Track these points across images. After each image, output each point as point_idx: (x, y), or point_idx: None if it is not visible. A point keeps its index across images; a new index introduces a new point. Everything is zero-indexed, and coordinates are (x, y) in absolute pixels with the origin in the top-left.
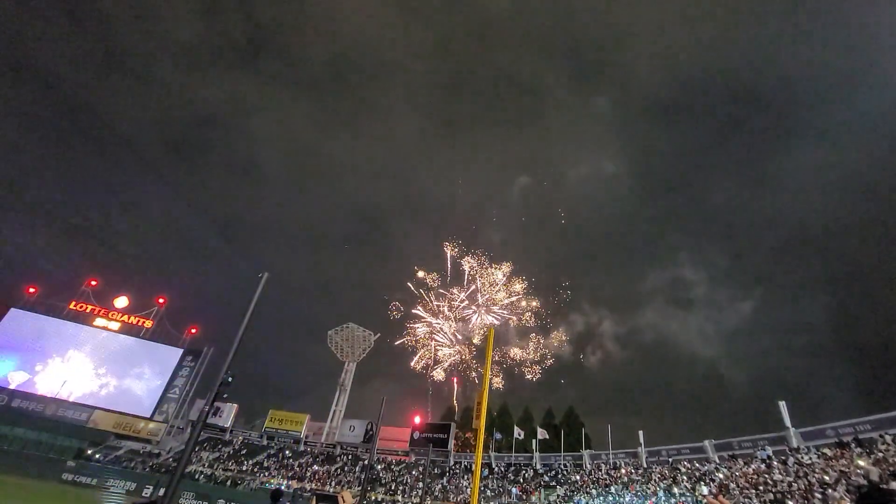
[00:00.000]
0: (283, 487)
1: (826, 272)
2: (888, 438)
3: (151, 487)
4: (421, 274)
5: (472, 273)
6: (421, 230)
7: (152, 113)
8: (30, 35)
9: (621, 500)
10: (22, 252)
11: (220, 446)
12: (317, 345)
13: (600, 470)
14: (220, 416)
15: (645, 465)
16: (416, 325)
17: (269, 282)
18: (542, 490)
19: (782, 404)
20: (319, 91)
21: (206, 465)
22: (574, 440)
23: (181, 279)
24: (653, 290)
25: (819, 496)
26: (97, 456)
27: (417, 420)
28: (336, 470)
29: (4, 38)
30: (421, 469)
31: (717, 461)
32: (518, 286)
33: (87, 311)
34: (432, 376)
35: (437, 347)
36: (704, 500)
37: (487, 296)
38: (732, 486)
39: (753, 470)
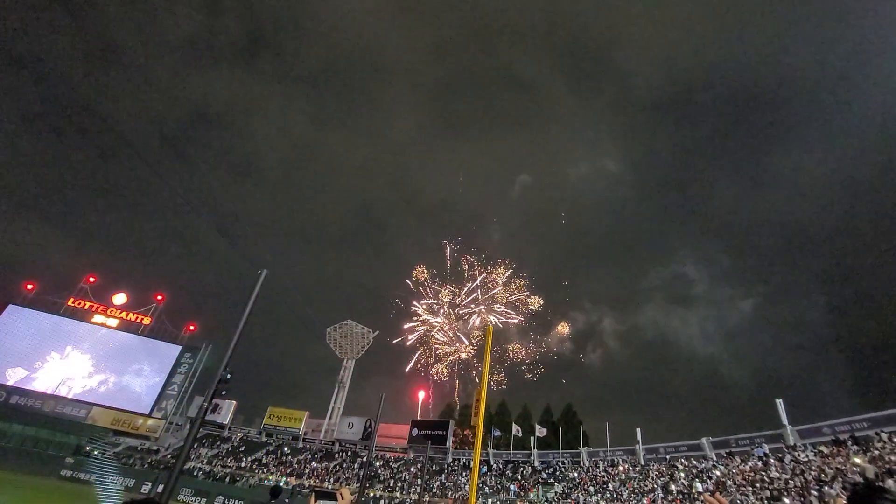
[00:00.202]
0: (281, 484)
1: (824, 271)
2: (884, 436)
3: (150, 484)
4: (420, 272)
5: (471, 272)
6: (420, 228)
7: (150, 109)
8: (27, 30)
9: (619, 497)
10: (19, 248)
11: (218, 443)
12: (315, 342)
13: (598, 467)
14: (218, 413)
15: (643, 463)
16: (416, 324)
17: (267, 279)
18: (540, 487)
19: (779, 402)
20: (318, 88)
21: (205, 461)
22: (572, 437)
23: (179, 276)
24: (652, 288)
25: (815, 493)
26: (96, 452)
27: (422, 395)
28: (335, 467)
29: (1, 33)
30: (419, 466)
31: (715, 459)
32: (518, 284)
33: (86, 307)
34: (432, 374)
35: (436, 345)
36: (701, 498)
37: (487, 294)
38: (729, 483)
39: (750, 467)
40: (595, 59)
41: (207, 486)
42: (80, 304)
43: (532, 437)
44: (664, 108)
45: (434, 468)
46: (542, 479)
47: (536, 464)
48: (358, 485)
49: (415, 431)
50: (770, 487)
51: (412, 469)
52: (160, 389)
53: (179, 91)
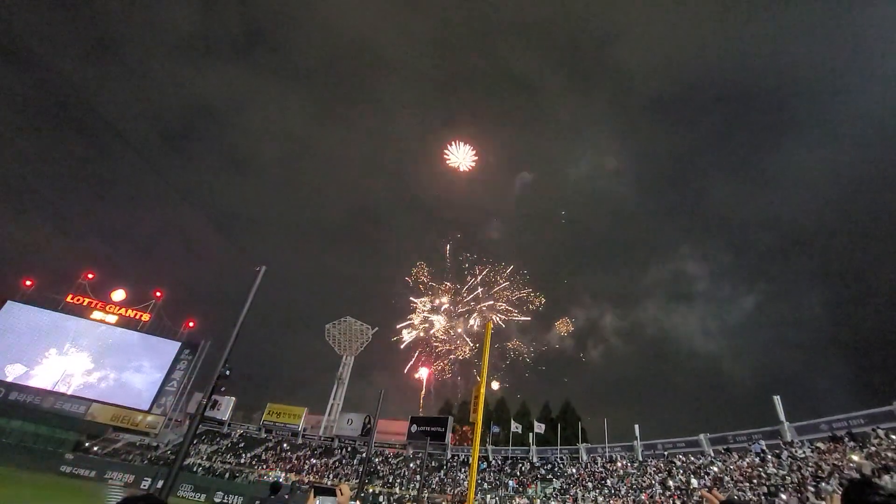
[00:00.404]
0: (281, 480)
1: (823, 268)
2: (881, 433)
3: (150, 480)
4: (420, 270)
5: (471, 270)
6: (420, 225)
7: (147, 104)
8: (22, 24)
9: (617, 493)
10: (18, 245)
11: (218, 439)
12: (314, 338)
13: (596, 463)
14: (217, 410)
15: (641, 459)
16: (414, 321)
17: (266, 275)
18: (539, 483)
19: (777, 399)
20: (316, 84)
21: (205, 457)
22: (570, 434)
23: (178, 273)
24: (653, 285)
25: (812, 489)
26: (95, 448)
27: (425, 373)
28: (334, 463)
29: None
30: (418, 462)
31: (712, 455)
32: (518, 281)
33: (84, 304)
34: (431, 368)
35: (436, 343)
36: (699, 494)
37: (487, 292)
38: (727, 479)
39: (748, 463)
40: (595, 58)
41: (207, 482)
42: (78, 300)
43: (531, 434)
44: (663, 106)
45: (433, 464)
46: (541, 475)
47: (535, 460)
48: (357, 481)
49: (414, 428)
50: (767, 483)
51: (411, 465)
52: (160, 386)
53: (177, 86)
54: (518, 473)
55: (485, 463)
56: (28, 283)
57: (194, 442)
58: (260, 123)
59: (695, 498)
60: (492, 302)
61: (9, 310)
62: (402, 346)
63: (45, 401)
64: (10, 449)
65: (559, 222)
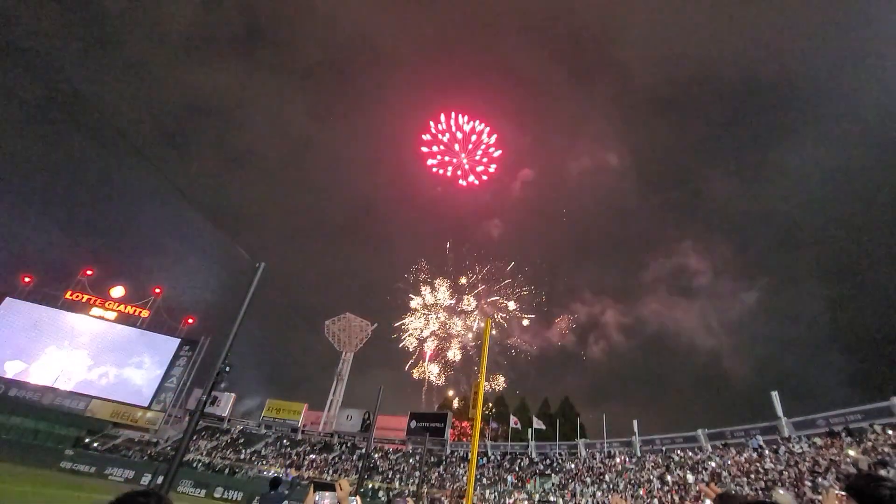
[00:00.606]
0: (282, 476)
1: (821, 264)
2: (877, 428)
3: (150, 475)
4: (420, 268)
5: (471, 267)
6: (420, 222)
7: (146, 101)
8: (17, 19)
9: (615, 488)
10: (16, 241)
11: (217, 435)
12: (314, 335)
13: (595, 459)
14: (217, 406)
15: (639, 454)
16: (413, 320)
17: (265, 272)
18: (538, 478)
19: (774, 395)
20: (316, 81)
21: (205, 453)
22: (569, 429)
23: (177, 269)
24: (653, 280)
25: (809, 484)
26: (95, 444)
27: (428, 354)
28: (333, 458)
29: None
30: (418, 458)
31: (710, 450)
32: (519, 280)
33: (83, 300)
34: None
35: (436, 340)
36: (697, 488)
37: (488, 289)
38: (724, 474)
39: (745, 458)
40: (595, 54)
41: (207, 478)
42: (77, 297)
43: (529, 429)
44: (664, 102)
45: (432, 460)
46: (540, 470)
47: (534, 455)
48: (357, 476)
49: (413, 423)
50: (765, 478)
51: (411, 461)
52: (159, 382)
53: (176, 83)
54: (517, 469)
55: (484, 458)
56: (27, 279)
57: (194, 438)
58: (260, 120)
59: (692, 493)
60: (494, 299)
61: (8, 306)
62: (401, 345)
63: (44, 397)
64: (9, 445)
65: (560, 219)
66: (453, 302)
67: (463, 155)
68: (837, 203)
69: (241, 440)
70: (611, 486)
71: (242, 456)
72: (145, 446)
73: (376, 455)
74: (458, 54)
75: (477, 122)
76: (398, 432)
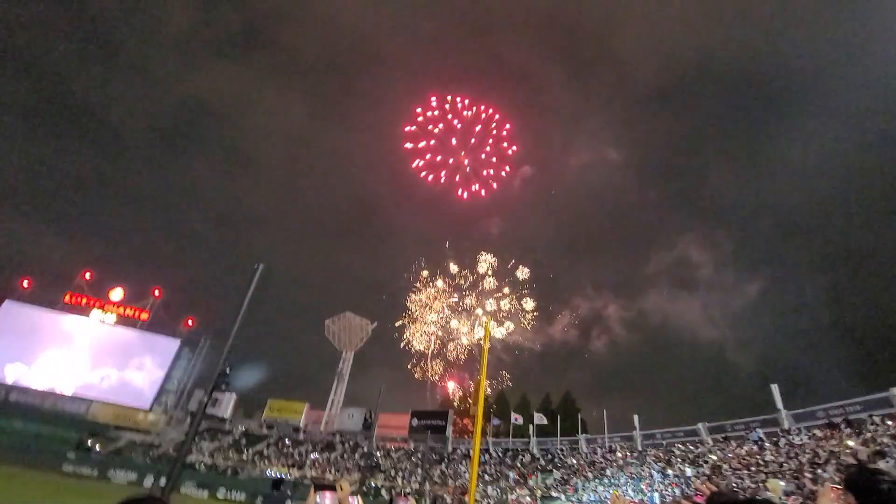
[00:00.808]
0: (286, 476)
1: (822, 254)
2: (876, 419)
3: (153, 477)
4: (420, 266)
5: (471, 266)
6: (419, 221)
7: (144, 103)
8: (12, 20)
9: (617, 482)
10: (14, 244)
11: (219, 436)
12: (314, 334)
13: (596, 454)
14: (219, 407)
15: (640, 449)
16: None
17: (264, 272)
18: (539, 474)
19: (774, 387)
20: (315, 81)
21: (207, 454)
22: (570, 425)
23: (177, 270)
24: (655, 274)
25: (809, 476)
26: (97, 447)
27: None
28: (335, 457)
29: None
30: (420, 455)
31: (711, 443)
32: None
33: (83, 303)
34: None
35: (437, 339)
36: (693, 486)
37: (487, 288)
38: (725, 467)
39: (746, 451)
40: (592, 48)
41: (210, 479)
42: (77, 299)
43: (531, 426)
44: (661, 95)
45: (434, 457)
46: (541, 466)
47: (535, 451)
48: (359, 475)
49: (415, 421)
50: (765, 471)
51: (413, 459)
52: (160, 384)
53: (174, 84)
54: (519, 465)
55: (485, 455)
56: (25, 282)
57: (196, 439)
58: (259, 120)
59: (693, 487)
60: (496, 297)
61: (7, 310)
62: (403, 345)
63: (45, 401)
64: (11, 449)
65: (560, 215)
66: (455, 300)
67: (463, 153)
68: (837, 194)
69: (243, 441)
70: (612, 481)
71: (245, 456)
72: (147, 448)
73: (378, 453)
74: (456, 51)
75: (482, 107)
76: (400, 430)
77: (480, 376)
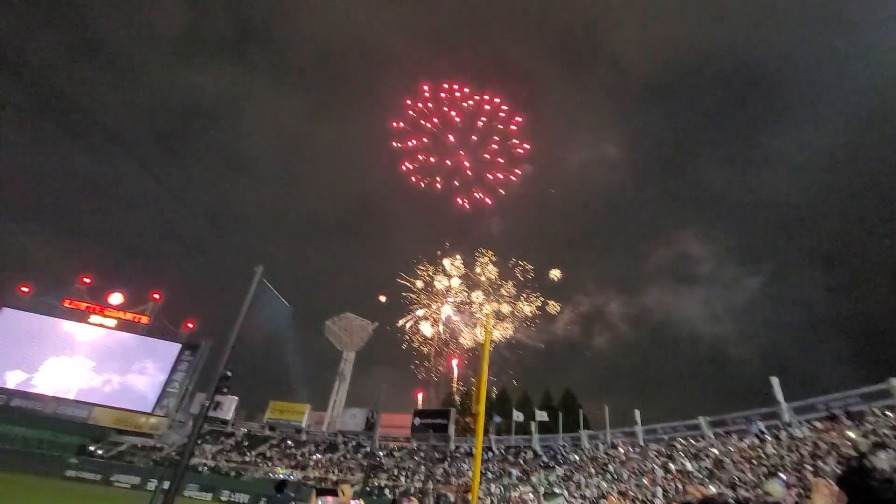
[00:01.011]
0: (290, 477)
1: (821, 248)
2: (876, 410)
3: (156, 481)
4: (419, 264)
5: (470, 264)
6: (419, 220)
7: (139, 105)
8: (6, 26)
9: (619, 478)
10: (12, 251)
11: (222, 438)
12: (315, 335)
13: (598, 449)
14: (220, 410)
15: (642, 444)
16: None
17: (264, 273)
18: (542, 471)
19: (774, 380)
20: (310, 80)
21: (210, 457)
22: (571, 421)
23: (176, 273)
24: (654, 271)
25: (810, 468)
26: (100, 452)
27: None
28: (338, 458)
29: None
30: (422, 454)
31: (712, 437)
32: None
33: (82, 308)
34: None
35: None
36: (684, 491)
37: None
38: (727, 461)
39: (747, 445)
40: (587, 45)
41: (213, 481)
42: (76, 305)
43: (532, 423)
44: (658, 92)
45: (437, 456)
46: (544, 462)
47: (538, 448)
48: (362, 475)
49: (417, 421)
50: (766, 464)
51: (416, 458)
52: (161, 387)
53: (169, 86)
54: (521, 462)
55: (488, 453)
56: (24, 289)
57: (199, 442)
58: (254, 121)
59: (695, 480)
60: (497, 296)
61: (5, 317)
62: (404, 347)
63: (46, 406)
64: (14, 455)
65: (560, 213)
66: (455, 301)
67: (463, 153)
68: (835, 188)
69: (246, 443)
70: (615, 477)
71: (248, 458)
72: (150, 452)
73: (381, 453)
74: (450, 49)
75: (486, 96)
76: (402, 430)
77: (482, 372)
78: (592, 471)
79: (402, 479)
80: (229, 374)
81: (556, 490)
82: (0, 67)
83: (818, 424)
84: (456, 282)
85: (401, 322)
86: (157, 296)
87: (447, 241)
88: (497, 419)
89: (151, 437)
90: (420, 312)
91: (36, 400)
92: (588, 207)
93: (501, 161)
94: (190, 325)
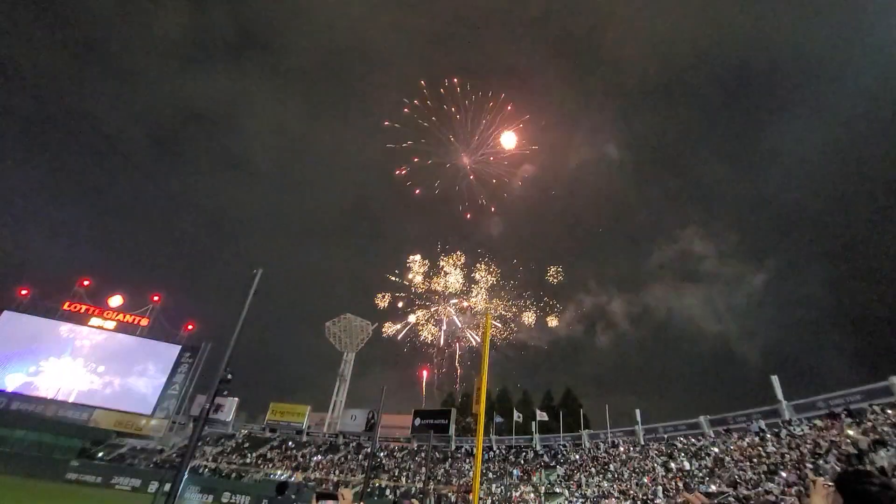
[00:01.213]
0: (292, 479)
1: (822, 245)
2: (876, 408)
3: (157, 483)
4: (417, 261)
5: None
6: (418, 220)
7: (137, 109)
8: (7, 31)
9: (620, 477)
10: (11, 254)
11: (222, 440)
12: (315, 336)
13: (599, 449)
14: (221, 412)
15: (642, 443)
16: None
17: (264, 275)
18: (543, 471)
19: (774, 378)
20: (309, 83)
21: (210, 459)
22: (572, 421)
23: (175, 276)
24: (655, 271)
25: (810, 466)
26: (100, 454)
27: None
28: (339, 459)
29: None
30: (423, 455)
31: (713, 436)
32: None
33: (82, 311)
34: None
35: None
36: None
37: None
38: (727, 459)
39: (747, 443)
40: (586, 45)
41: (214, 483)
42: (75, 307)
43: (533, 422)
44: (657, 91)
45: (438, 456)
46: (545, 462)
47: (538, 448)
48: (363, 476)
49: (417, 421)
50: (767, 462)
51: (416, 458)
52: (162, 390)
53: (168, 90)
54: (522, 462)
55: (489, 452)
56: (24, 292)
57: (199, 444)
58: (253, 124)
59: (696, 479)
60: (497, 296)
61: (5, 320)
62: (399, 338)
63: (47, 409)
64: (15, 458)
65: (561, 213)
66: (456, 301)
67: (463, 154)
68: (836, 184)
69: (247, 444)
70: (615, 476)
71: (248, 460)
72: (151, 454)
73: (382, 454)
74: (449, 51)
75: (490, 93)
76: (403, 430)
77: (482, 371)
78: (593, 470)
79: (403, 479)
80: (230, 376)
81: (557, 490)
82: (1, 72)
83: (818, 422)
84: (454, 280)
85: (391, 331)
86: (156, 298)
87: (447, 243)
88: (498, 419)
89: (152, 440)
90: (412, 319)
91: (36, 403)
92: (589, 207)
93: (504, 152)
94: (190, 327)
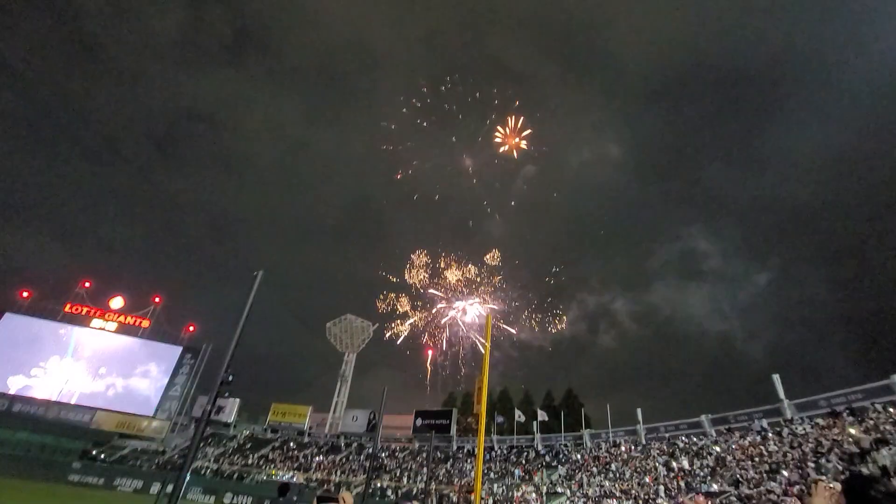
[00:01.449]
0: (293, 480)
1: (824, 246)
2: (878, 406)
3: (159, 485)
4: (419, 258)
5: (470, 265)
6: (417, 221)
7: (138, 111)
8: (7, 33)
9: (622, 476)
10: (12, 256)
11: (224, 441)
12: (316, 337)
13: (600, 448)
14: (222, 413)
15: (644, 442)
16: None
17: (264, 277)
18: (544, 470)
19: (776, 377)
20: (308, 83)
21: (212, 460)
22: (573, 420)
23: (176, 277)
24: (656, 271)
25: (813, 465)
26: (102, 456)
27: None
28: (341, 459)
29: None
30: (425, 455)
31: (714, 435)
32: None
33: (83, 312)
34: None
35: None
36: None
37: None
38: (729, 458)
39: (749, 442)
40: (587, 47)
41: (216, 484)
42: (77, 309)
43: (534, 422)
44: (657, 92)
45: (439, 456)
46: (546, 462)
47: (540, 448)
48: (365, 476)
49: (419, 421)
50: (769, 461)
51: (418, 458)
52: (163, 391)
53: (168, 91)
54: (523, 461)
55: (490, 453)
56: (25, 294)
57: (201, 445)
58: (253, 125)
59: (698, 478)
60: (498, 296)
61: (7, 322)
62: (398, 340)
63: (49, 411)
64: (17, 460)
65: (564, 213)
66: (457, 303)
67: (465, 156)
68: (837, 185)
69: (248, 445)
70: (617, 475)
71: (250, 461)
72: (153, 456)
73: (383, 454)
74: (450, 51)
75: (495, 90)
76: (404, 430)
77: (483, 371)
78: (595, 470)
79: (405, 479)
80: (231, 377)
81: (559, 489)
82: (1, 74)
83: (820, 421)
84: (456, 280)
85: (389, 334)
86: (157, 299)
87: (448, 243)
88: (499, 419)
89: (154, 441)
90: (408, 323)
91: (38, 405)
92: (591, 207)
93: (508, 147)
94: (191, 328)
